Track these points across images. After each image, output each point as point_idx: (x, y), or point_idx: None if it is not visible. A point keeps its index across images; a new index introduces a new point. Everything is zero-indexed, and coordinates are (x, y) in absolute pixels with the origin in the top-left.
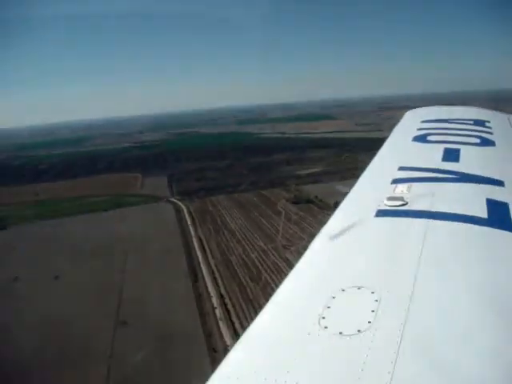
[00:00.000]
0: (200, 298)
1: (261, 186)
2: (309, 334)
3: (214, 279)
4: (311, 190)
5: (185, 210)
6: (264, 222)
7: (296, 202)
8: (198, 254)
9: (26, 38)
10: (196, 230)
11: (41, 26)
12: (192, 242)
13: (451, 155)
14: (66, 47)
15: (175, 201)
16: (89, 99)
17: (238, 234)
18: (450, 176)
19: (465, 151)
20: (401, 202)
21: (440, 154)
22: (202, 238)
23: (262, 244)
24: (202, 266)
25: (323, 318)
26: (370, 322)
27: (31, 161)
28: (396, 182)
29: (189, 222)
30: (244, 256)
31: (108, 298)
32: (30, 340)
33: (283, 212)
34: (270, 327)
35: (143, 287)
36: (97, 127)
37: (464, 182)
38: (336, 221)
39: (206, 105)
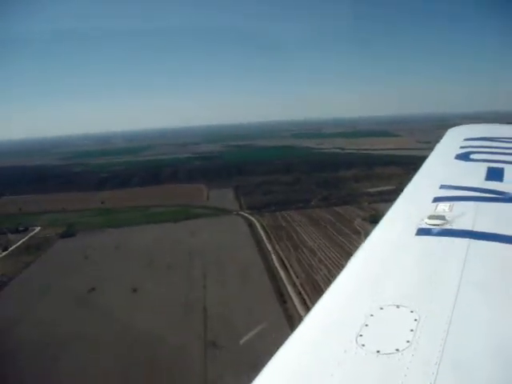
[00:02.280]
0: (291, 321)
1: (332, 203)
2: (345, 352)
3: (303, 301)
4: (385, 208)
5: (257, 225)
6: (343, 240)
7: (374, 221)
8: (280, 271)
9: (82, 48)
10: (273, 247)
11: (97, 37)
12: (271, 258)
13: (495, 174)
14: (122, 59)
15: (245, 214)
16: (143, 110)
17: (318, 252)
18: (493, 195)
19: (509, 170)
20: (442, 221)
21: (483, 172)
22: (281, 254)
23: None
24: (287, 285)
25: (361, 335)
26: (408, 342)
27: (92, 168)
28: (437, 200)
29: (264, 237)
30: (330, 276)
31: (192, 316)
32: (114, 359)
33: (362, 232)
34: (307, 343)
35: (228, 305)
36: (151, 137)
37: (508, 202)
38: (376, 238)
39: (258, 118)
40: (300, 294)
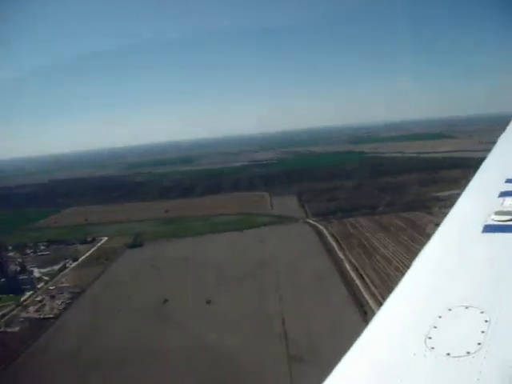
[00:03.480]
0: None
1: (399, 208)
2: (414, 355)
3: None
4: None
5: (326, 232)
6: (419, 248)
7: None
8: (356, 281)
9: (137, 60)
10: (345, 255)
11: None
12: (345, 267)
13: None
14: (173, 68)
15: (312, 222)
16: (195, 120)
17: (394, 261)
18: None
19: None
20: (510, 217)
21: None
22: (355, 263)
23: None
24: (365, 295)
25: (429, 338)
26: (479, 344)
27: (153, 178)
28: (504, 195)
29: (334, 245)
30: None
31: (270, 329)
32: (195, 374)
33: None
34: (375, 345)
35: (307, 318)
36: (205, 147)
37: None
38: (441, 237)
39: (309, 124)
40: (381, 304)
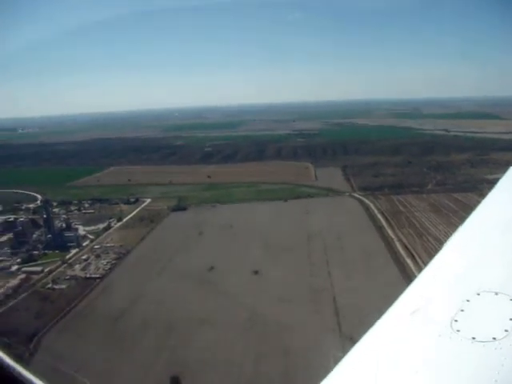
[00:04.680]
0: None
1: (449, 189)
2: (439, 336)
3: None
4: None
5: (373, 208)
6: None
7: None
8: (407, 260)
9: (174, 23)
10: (395, 233)
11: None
12: (395, 246)
13: None
14: (214, 33)
15: (359, 196)
16: (240, 86)
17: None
18: None
19: None
20: None
21: None
22: (405, 242)
23: None
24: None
25: (456, 321)
26: (506, 331)
27: (194, 142)
28: None
29: (384, 223)
30: None
31: (321, 305)
32: (245, 349)
33: None
34: (400, 325)
35: (359, 296)
36: (243, 113)
37: None
38: (473, 222)
39: (356, 95)
40: None
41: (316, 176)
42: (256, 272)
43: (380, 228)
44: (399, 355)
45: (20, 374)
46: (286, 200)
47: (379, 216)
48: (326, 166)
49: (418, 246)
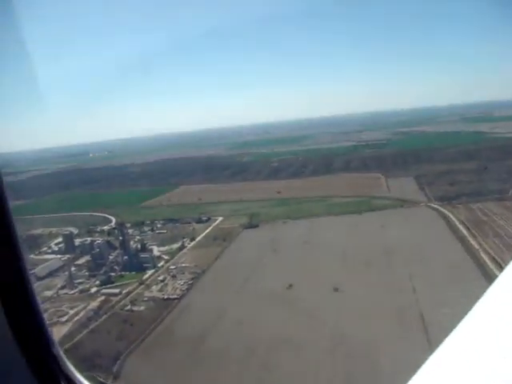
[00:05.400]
0: None
1: None
2: None
3: None
4: None
5: (453, 218)
6: None
7: None
8: (497, 273)
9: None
10: (480, 244)
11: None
12: (481, 257)
13: None
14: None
15: (435, 206)
16: (295, 99)
17: None
18: None
19: None
20: None
21: None
22: (492, 253)
23: None
24: None
25: None
26: None
27: (260, 157)
28: None
29: (465, 233)
30: None
31: (409, 325)
32: (332, 371)
33: None
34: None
35: (447, 313)
36: (308, 127)
37: None
38: None
39: (420, 103)
40: None
41: (388, 187)
42: (336, 289)
43: (462, 239)
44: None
45: None
46: (360, 213)
47: (460, 226)
48: (397, 177)
49: (506, 257)
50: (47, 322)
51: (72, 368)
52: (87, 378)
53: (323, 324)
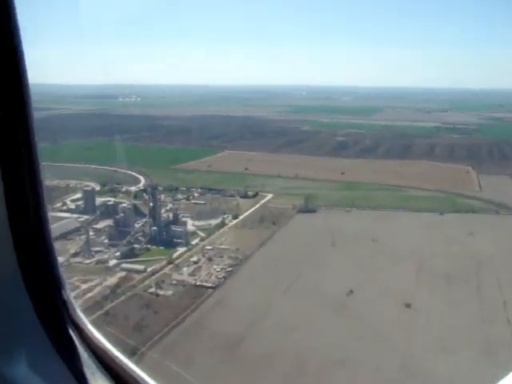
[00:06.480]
0: None
1: None
2: None
3: None
4: None
5: None
6: None
7: None
8: None
9: None
10: None
11: None
12: None
13: None
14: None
15: None
16: (376, 64)
17: None
18: None
19: None
20: None
21: None
22: None
23: None
24: None
25: None
26: None
27: (322, 128)
28: None
29: None
30: None
31: (495, 348)
32: None
33: None
34: None
35: None
36: (380, 97)
37: None
38: None
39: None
40: None
41: (480, 185)
42: (408, 305)
43: None
44: None
45: None
46: (441, 213)
47: None
48: (492, 173)
49: None
50: (60, 264)
51: (82, 315)
52: (97, 327)
53: (388, 346)
